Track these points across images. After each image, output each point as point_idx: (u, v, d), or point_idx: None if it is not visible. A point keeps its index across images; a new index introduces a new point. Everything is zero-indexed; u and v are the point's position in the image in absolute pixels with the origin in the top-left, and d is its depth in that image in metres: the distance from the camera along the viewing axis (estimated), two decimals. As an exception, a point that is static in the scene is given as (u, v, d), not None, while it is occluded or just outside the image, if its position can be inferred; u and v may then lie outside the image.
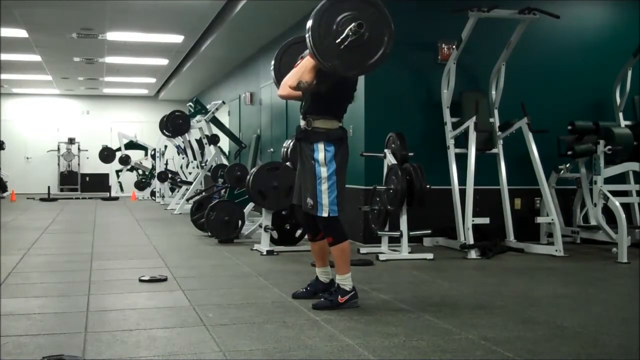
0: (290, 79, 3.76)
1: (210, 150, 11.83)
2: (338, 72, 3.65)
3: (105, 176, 18.16)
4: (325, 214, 3.71)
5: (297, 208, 4.03)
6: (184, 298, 4.02)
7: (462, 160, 6.37)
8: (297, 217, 5.92)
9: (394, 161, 5.91)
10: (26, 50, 11.76)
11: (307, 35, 3.58)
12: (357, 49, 3.57)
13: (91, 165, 18.58)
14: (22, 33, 10.31)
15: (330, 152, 3.72)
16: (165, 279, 4.61)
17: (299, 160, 3.88)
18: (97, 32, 10.34)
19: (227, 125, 12.62)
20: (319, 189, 3.70)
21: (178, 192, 13.23)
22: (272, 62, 4.49)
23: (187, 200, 11.10)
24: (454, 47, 6.41)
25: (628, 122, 6.91)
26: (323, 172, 3.70)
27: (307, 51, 3.77)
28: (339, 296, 3.71)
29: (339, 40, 3.54)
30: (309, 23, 3.58)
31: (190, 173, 13.47)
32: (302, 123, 3.80)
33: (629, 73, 6.87)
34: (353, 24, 3.50)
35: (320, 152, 3.72)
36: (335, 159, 3.73)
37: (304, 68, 3.70)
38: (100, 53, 12.22)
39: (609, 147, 6.09)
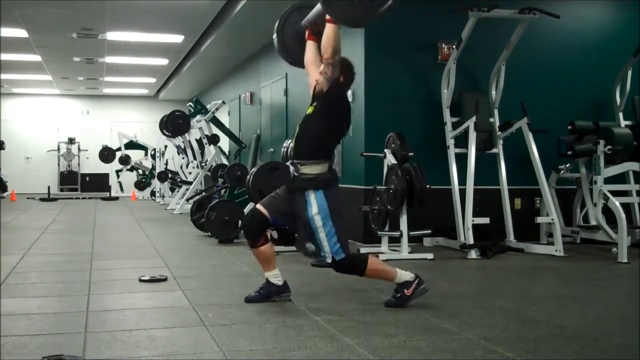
0: (313, 53, 3.83)
1: (210, 150, 11.83)
2: (356, 24, 3.64)
3: (105, 176, 18.16)
4: (329, 260, 3.69)
5: (255, 210, 3.91)
6: (184, 298, 4.02)
7: (462, 160, 6.37)
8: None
9: (394, 161, 5.91)
10: (26, 50, 11.76)
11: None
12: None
13: (91, 165, 18.58)
14: (22, 33, 10.31)
15: (320, 198, 3.66)
16: (165, 279, 4.61)
17: (294, 204, 3.78)
18: (97, 32, 10.33)
19: (227, 125, 12.62)
20: (318, 238, 3.67)
21: (178, 192, 13.24)
22: (274, 36, 4.35)
23: (187, 200, 11.10)
24: (454, 47, 6.41)
25: (628, 122, 6.91)
26: (318, 221, 3.65)
27: (310, 15, 3.72)
28: (405, 289, 3.71)
29: None
30: None
31: (190, 173, 13.48)
32: (291, 169, 3.77)
33: (629, 73, 6.87)
34: None
35: (312, 203, 3.65)
36: (327, 203, 3.67)
37: (329, 35, 3.56)
38: (100, 53, 12.22)
39: (609, 147, 6.09)
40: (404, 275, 3.75)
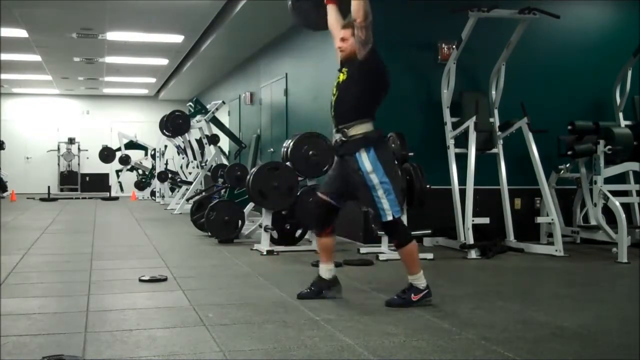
0: (335, 20, 3.76)
1: (210, 150, 11.83)
2: None
3: (105, 176, 18.17)
4: (390, 218, 3.68)
5: (315, 197, 3.95)
6: (184, 298, 4.02)
7: (462, 160, 6.37)
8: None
9: (394, 161, 5.90)
10: (26, 50, 11.76)
11: None
12: None
13: (91, 165, 18.58)
14: (22, 33, 10.31)
15: (372, 156, 3.66)
16: (165, 279, 4.61)
17: (346, 170, 3.77)
18: (97, 32, 10.34)
19: (227, 125, 12.62)
20: (375, 196, 3.66)
21: (178, 192, 13.24)
22: (289, 2, 4.25)
23: (187, 200, 11.10)
24: (454, 47, 6.41)
25: (628, 122, 6.91)
26: (374, 179, 3.66)
27: None
28: (412, 294, 3.72)
29: None
30: None
31: (190, 173, 13.48)
32: (337, 136, 3.76)
33: (629, 73, 6.87)
34: None
35: (365, 160, 3.66)
36: (379, 161, 3.67)
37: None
38: (100, 53, 12.22)
39: (609, 147, 6.09)
40: (422, 280, 3.76)
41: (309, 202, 5.68)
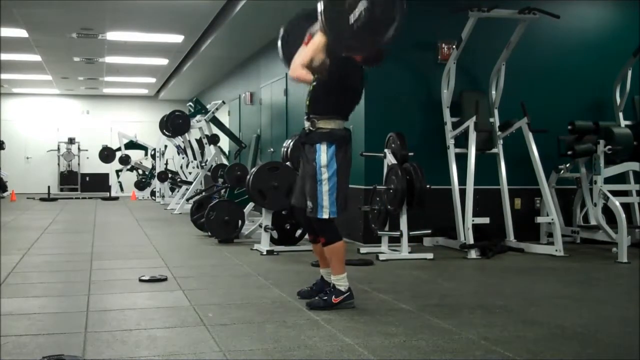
0: (302, 57, 3.67)
1: (210, 150, 11.83)
2: (352, 51, 3.60)
3: (105, 176, 18.15)
4: (325, 216, 3.68)
5: (296, 210, 4.00)
6: (184, 298, 4.02)
7: (462, 160, 6.37)
8: (296, 218, 5.89)
9: (394, 161, 5.91)
10: (26, 50, 11.76)
11: (320, 16, 3.49)
12: (369, 27, 3.46)
13: (91, 165, 18.58)
14: (22, 33, 10.31)
15: (331, 152, 3.69)
16: (165, 279, 4.61)
17: (302, 161, 3.86)
18: (97, 32, 10.33)
19: (227, 125, 12.62)
20: (319, 190, 3.68)
21: (178, 192, 13.23)
22: (279, 42, 4.29)
23: (187, 200, 11.10)
24: (454, 47, 6.41)
25: (628, 122, 6.91)
26: (324, 173, 3.68)
27: (315, 26, 3.69)
28: (333, 296, 3.69)
29: (353, 19, 3.43)
30: (321, 4, 3.48)
31: (190, 173, 13.47)
32: (307, 124, 3.78)
33: (629, 73, 6.87)
34: (366, 1, 3.40)
35: (323, 153, 3.68)
36: (336, 159, 3.69)
37: (314, 45, 3.60)
38: (100, 53, 12.22)
39: (609, 147, 6.09)
40: (344, 282, 3.73)
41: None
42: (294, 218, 6.20)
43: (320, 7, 3.51)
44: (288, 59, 4.01)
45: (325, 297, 3.71)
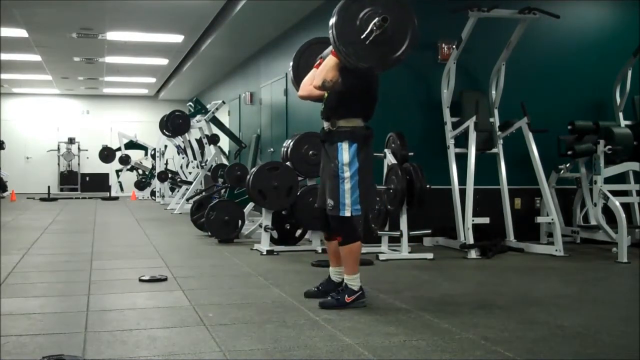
0: (311, 78, 3.72)
1: (210, 150, 11.83)
2: (362, 68, 3.61)
3: (105, 176, 18.16)
4: (347, 214, 3.68)
5: (320, 210, 3.97)
6: (184, 298, 4.02)
7: (462, 160, 6.37)
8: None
9: (394, 161, 5.91)
10: (26, 50, 11.76)
11: (330, 32, 3.52)
12: (381, 43, 3.51)
13: (91, 165, 18.59)
14: (22, 33, 10.31)
15: (353, 151, 3.67)
16: (165, 279, 4.61)
17: (323, 161, 3.85)
18: (97, 32, 10.34)
19: (227, 125, 12.62)
20: (341, 189, 3.67)
21: (178, 191, 13.24)
22: (290, 64, 4.42)
23: (187, 200, 11.10)
24: (454, 47, 6.41)
25: (628, 122, 6.91)
26: (346, 171, 3.66)
27: (327, 51, 3.74)
28: (346, 295, 3.70)
29: (363, 35, 3.49)
30: (332, 20, 3.53)
31: (190, 173, 13.47)
32: (326, 124, 3.77)
33: (629, 73, 6.87)
34: (377, 18, 3.45)
35: (344, 152, 3.67)
36: (358, 158, 3.68)
37: (327, 67, 3.64)
38: (100, 53, 12.22)
39: (609, 147, 6.09)
40: (357, 282, 3.75)
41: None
42: (294, 217, 6.20)
43: (331, 21, 3.53)
44: (299, 82, 4.05)
45: (338, 297, 3.71)
